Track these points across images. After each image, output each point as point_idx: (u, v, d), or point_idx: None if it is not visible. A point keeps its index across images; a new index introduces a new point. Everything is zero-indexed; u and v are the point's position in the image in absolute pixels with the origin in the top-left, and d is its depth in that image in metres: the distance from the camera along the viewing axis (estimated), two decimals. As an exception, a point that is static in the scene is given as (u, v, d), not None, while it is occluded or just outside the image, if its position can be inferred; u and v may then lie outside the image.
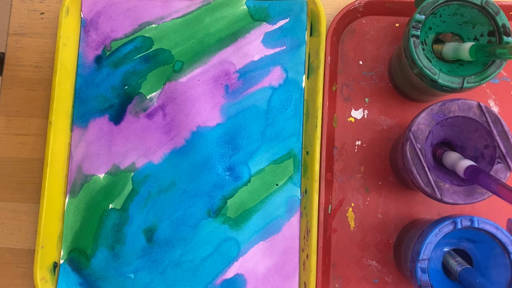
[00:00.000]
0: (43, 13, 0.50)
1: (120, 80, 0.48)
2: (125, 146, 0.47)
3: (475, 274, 0.36)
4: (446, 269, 0.39)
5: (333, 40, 0.46)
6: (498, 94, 0.47)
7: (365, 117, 0.47)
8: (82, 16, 0.49)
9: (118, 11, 0.48)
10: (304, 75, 0.47)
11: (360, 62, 0.48)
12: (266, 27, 0.48)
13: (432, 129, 0.38)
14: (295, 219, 0.46)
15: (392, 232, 0.46)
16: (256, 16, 0.48)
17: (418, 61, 0.37)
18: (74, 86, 0.48)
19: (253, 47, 0.47)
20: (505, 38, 0.37)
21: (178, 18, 0.48)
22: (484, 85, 0.47)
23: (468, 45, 0.37)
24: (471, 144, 0.39)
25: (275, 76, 0.47)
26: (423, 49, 0.39)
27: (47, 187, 0.45)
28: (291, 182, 0.46)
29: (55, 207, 0.46)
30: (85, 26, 0.48)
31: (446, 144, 0.41)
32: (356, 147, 0.47)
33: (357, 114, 0.47)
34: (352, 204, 0.46)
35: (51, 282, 0.45)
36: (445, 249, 0.39)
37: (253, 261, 0.45)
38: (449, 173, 0.38)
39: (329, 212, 0.46)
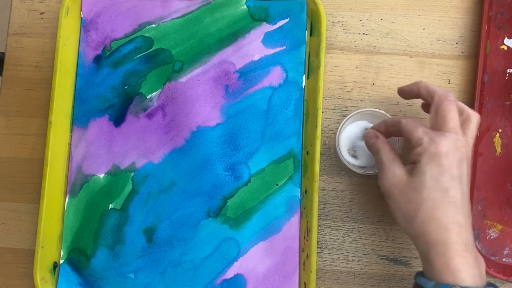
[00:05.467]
0: (43, 13, 0.50)
1: (120, 80, 0.48)
2: (125, 146, 0.47)
3: None
4: None
5: None
6: None
7: None
8: (82, 16, 0.49)
9: (118, 11, 0.48)
10: (304, 75, 0.47)
11: None
12: (266, 27, 0.47)
13: None
14: (295, 219, 0.46)
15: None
16: (256, 16, 0.48)
17: None
18: (74, 86, 0.48)
19: (253, 47, 0.47)
20: None
21: (178, 18, 0.48)
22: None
23: None
24: None
25: (275, 76, 0.47)
26: None
27: (47, 187, 0.45)
28: (291, 182, 0.46)
29: (55, 207, 0.46)
30: (85, 26, 0.48)
31: None
32: (507, 75, 0.47)
33: (510, 42, 0.47)
34: (500, 130, 0.47)
35: (51, 282, 0.45)
36: None
37: (253, 261, 0.45)
38: None
39: (477, 134, 0.46)
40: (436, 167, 0.36)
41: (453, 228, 0.35)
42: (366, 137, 0.42)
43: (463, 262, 0.35)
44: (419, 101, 0.48)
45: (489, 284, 0.36)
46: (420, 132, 0.38)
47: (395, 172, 0.38)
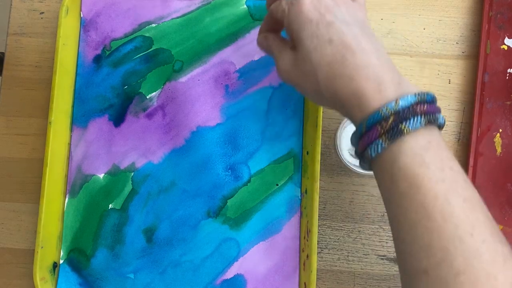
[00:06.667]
0: (43, 12, 0.50)
1: (120, 80, 0.48)
2: (125, 146, 0.47)
3: None
4: None
5: None
6: None
7: None
8: (81, 15, 0.48)
9: (118, 11, 0.48)
10: (304, 75, 0.47)
11: None
12: (266, 27, 0.47)
13: None
14: (295, 219, 0.46)
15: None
16: (256, 16, 0.48)
17: None
18: (73, 86, 0.48)
19: (253, 46, 0.47)
20: None
21: (178, 17, 0.48)
22: None
23: None
24: None
25: (275, 76, 0.47)
26: None
27: (46, 187, 0.45)
28: (291, 182, 0.46)
29: (55, 207, 0.46)
30: (85, 25, 0.48)
31: None
32: (508, 74, 0.47)
33: (511, 42, 0.48)
34: (500, 130, 0.47)
35: (51, 282, 0.45)
36: None
37: (253, 261, 0.45)
38: None
39: (477, 135, 0.46)
40: (308, 26, 0.33)
41: (357, 71, 0.31)
42: (259, 45, 0.40)
43: (381, 82, 0.31)
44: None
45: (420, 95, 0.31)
46: (283, 2, 0.35)
47: (283, 57, 0.36)
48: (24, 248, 0.48)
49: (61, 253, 0.46)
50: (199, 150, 0.46)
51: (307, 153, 0.46)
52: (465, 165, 0.46)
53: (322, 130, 0.47)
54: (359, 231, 0.47)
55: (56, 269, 0.46)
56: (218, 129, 0.47)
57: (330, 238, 0.47)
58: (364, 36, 0.33)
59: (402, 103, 0.30)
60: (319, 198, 0.47)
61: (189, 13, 0.48)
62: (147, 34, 0.48)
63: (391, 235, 0.46)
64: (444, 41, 0.49)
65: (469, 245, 0.27)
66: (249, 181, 0.46)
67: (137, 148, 0.47)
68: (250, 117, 0.47)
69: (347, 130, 0.45)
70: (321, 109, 0.45)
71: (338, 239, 0.47)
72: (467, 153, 0.46)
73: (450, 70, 0.48)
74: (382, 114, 0.30)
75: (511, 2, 0.48)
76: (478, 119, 0.46)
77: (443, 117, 0.32)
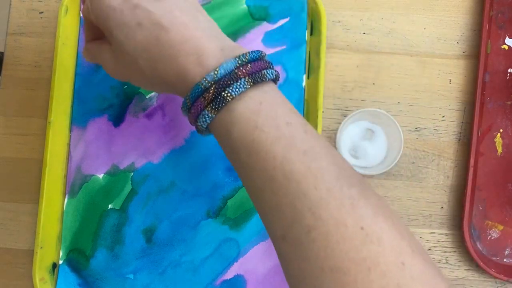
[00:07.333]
0: (42, 12, 0.50)
1: (120, 79, 0.47)
2: (125, 146, 0.47)
3: None
4: None
5: None
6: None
7: None
8: (81, 15, 0.48)
9: (118, 11, 0.48)
10: (305, 75, 0.47)
11: None
12: (266, 27, 0.47)
13: None
14: (295, 220, 0.46)
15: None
16: (256, 15, 0.48)
17: None
18: (73, 86, 0.48)
19: (253, 46, 0.47)
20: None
21: (177, 17, 0.48)
22: None
23: None
24: None
25: (275, 76, 0.47)
26: None
27: (46, 187, 0.45)
28: (291, 182, 0.46)
29: (54, 207, 0.46)
30: (84, 25, 0.48)
31: None
32: (508, 74, 0.47)
33: (511, 42, 0.47)
34: (501, 130, 0.47)
35: (50, 283, 0.45)
36: None
37: (253, 261, 0.45)
38: None
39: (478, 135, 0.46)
40: (113, 15, 0.31)
41: (175, 49, 0.30)
42: (88, 59, 0.39)
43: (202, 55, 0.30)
44: (419, 101, 0.48)
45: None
46: (87, 0, 0.33)
47: (104, 57, 0.34)
48: (23, 248, 0.47)
49: (61, 254, 0.46)
50: (199, 150, 0.46)
51: (307, 153, 0.46)
52: (465, 165, 0.46)
53: (322, 130, 0.47)
54: (359, 232, 0.46)
55: (56, 269, 0.46)
56: (218, 129, 0.46)
57: (330, 239, 0.47)
58: (178, 9, 0.31)
59: (221, 71, 0.29)
60: (319, 198, 0.46)
61: (189, 12, 0.48)
62: (146, 34, 0.48)
63: (391, 235, 0.46)
64: (445, 40, 0.48)
65: (314, 198, 0.26)
66: (249, 181, 0.46)
67: (137, 148, 0.47)
68: (250, 117, 0.46)
69: (348, 130, 0.45)
70: (321, 109, 0.45)
71: (339, 239, 0.46)
72: (467, 153, 0.46)
73: (451, 70, 0.48)
74: (202, 86, 0.29)
75: None
76: (479, 119, 0.46)
77: (272, 72, 0.31)
